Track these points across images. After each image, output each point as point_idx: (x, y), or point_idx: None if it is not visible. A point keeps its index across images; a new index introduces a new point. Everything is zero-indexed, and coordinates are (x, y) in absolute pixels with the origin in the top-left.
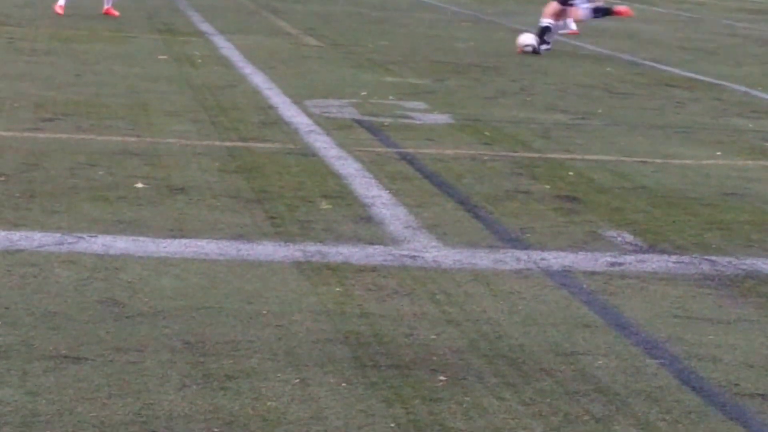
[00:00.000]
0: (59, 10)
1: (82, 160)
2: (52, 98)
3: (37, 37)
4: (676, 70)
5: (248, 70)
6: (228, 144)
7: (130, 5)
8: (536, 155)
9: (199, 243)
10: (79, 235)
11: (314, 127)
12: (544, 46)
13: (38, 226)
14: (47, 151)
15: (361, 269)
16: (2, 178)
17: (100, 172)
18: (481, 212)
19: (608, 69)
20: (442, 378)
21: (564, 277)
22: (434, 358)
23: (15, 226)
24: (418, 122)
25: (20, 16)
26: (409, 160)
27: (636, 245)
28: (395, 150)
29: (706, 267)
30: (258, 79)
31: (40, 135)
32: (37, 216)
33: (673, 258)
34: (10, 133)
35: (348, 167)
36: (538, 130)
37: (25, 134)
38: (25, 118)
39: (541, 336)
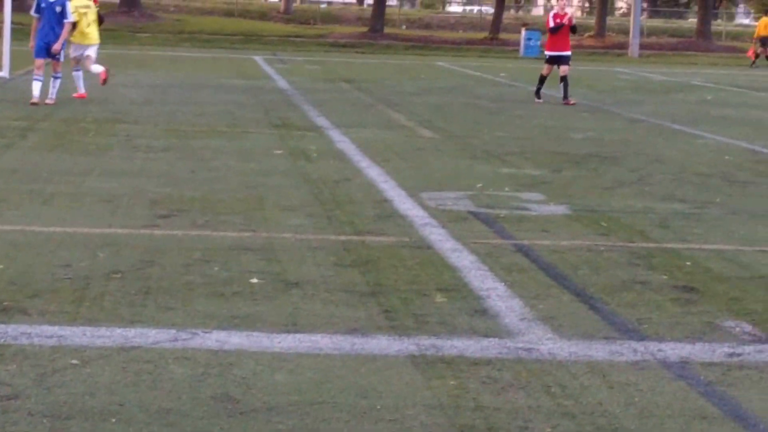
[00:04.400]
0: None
1: (198, 256)
2: (167, 195)
3: (154, 134)
4: None
5: (364, 163)
6: (343, 238)
7: (247, 101)
8: (654, 245)
9: (313, 338)
10: (194, 331)
11: (429, 220)
12: None
13: (153, 323)
14: (163, 247)
15: (476, 362)
16: (118, 275)
17: (216, 268)
18: (598, 303)
19: (726, 157)
20: None
21: (681, 369)
22: None
23: (130, 323)
24: (534, 213)
25: (138, 113)
26: (524, 251)
27: (755, 335)
28: (511, 242)
29: None
30: (373, 172)
31: (156, 232)
32: (153, 313)
33: None
34: (127, 230)
35: (463, 260)
36: (656, 219)
37: (141, 231)
38: (141, 215)
39: (658, 428)
